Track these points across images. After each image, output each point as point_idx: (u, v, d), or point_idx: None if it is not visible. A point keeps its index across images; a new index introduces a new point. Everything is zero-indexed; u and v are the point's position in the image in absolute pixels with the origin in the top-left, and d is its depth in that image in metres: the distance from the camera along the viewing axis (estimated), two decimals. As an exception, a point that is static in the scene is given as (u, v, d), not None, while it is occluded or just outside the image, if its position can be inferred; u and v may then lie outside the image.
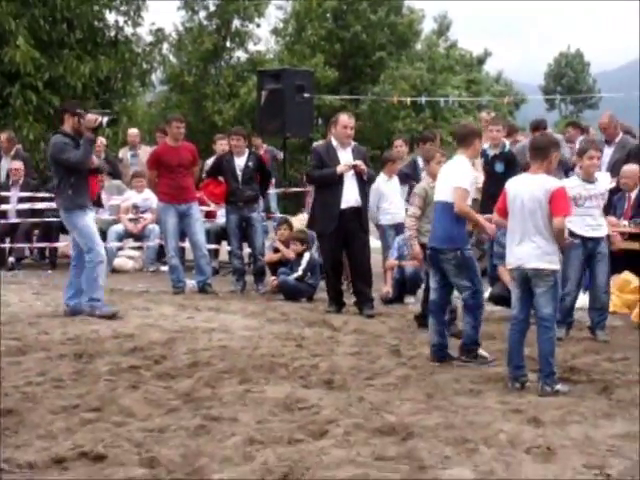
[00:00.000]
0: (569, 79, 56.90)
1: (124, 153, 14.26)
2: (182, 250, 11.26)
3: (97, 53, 18.16)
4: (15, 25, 16.54)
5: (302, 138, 19.32)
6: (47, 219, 12.40)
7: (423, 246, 7.33)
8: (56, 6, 17.25)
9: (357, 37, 29.84)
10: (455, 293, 6.72)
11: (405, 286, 9.61)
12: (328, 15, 29.80)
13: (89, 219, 8.24)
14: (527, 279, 5.61)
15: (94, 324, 7.69)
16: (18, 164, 12.72)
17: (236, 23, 27.94)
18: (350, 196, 8.61)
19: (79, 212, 8.14)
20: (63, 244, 12.74)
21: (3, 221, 12.41)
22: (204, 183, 11.51)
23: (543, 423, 4.72)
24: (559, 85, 57.18)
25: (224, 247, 12.19)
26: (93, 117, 8.05)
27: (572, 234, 7.13)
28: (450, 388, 5.54)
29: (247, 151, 10.45)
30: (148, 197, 12.39)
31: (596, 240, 7.35)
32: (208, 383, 5.52)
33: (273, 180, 12.44)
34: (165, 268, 11.22)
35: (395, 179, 10.37)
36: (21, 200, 12.53)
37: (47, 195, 12.62)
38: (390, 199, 10.22)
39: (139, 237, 12.56)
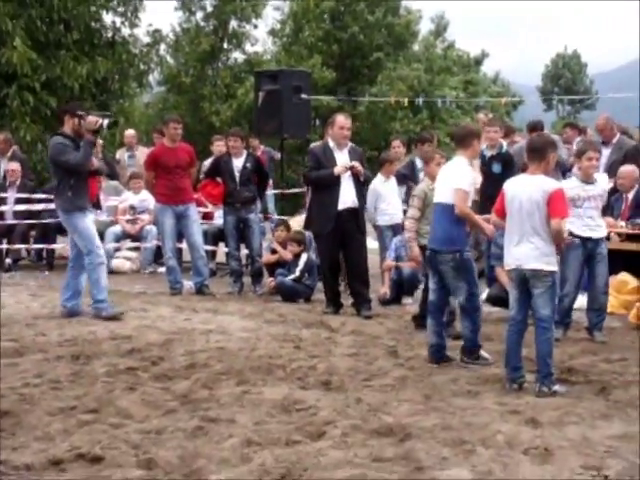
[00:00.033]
0: (566, 80, 56.93)
1: (121, 154, 14.25)
2: (179, 251, 11.25)
3: (94, 54, 18.14)
4: (12, 26, 16.52)
5: (299, 139, 19.33)
6: (44, 220, 12.39)
7: (422, 248, 7.32)
8: (53, 7, 17.23)
9: (354, 38, 29.86)
10: (454, 295, 6.71)
11: (403, 287, 9.61)
12: (325, 16, 29.82)
13: (89, 221, 8.23)
14: (525, 280, 5.61)
15: (91, 325, 7.68)
16: (15, 165, 12.69)
17: (233, 24, 27.98)
18: (347, 197, 8.61)
19: (79, 214, 8.13)
20: (60, 245, 12.73)
21: (0, 222, 12.40)
22: (202, 184, 11.51)
23: (541, 424, 4.72)
24: (556, 86, 57.22)
25: (221, 248, 12.18)
26: (94, 119, 8.03)
27: (571, 234, 7.15)
28: (448, 389, 5.54)
29: (245, 152, 10.45)
30: (145, 198, 12.38)
31: (595, 241, 7.36)
32: (205, 384, 5.52)
33: (270, 181, 12.44)
34: (162, 269, 11.20)
35: (393, 180, 10.37)
36: (18, 201, 12.50)
37: (44, 196, 12.63)
38: (388, 200, 10.22)
39: (136, 238, 12.55)
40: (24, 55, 16.34)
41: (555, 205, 5.51)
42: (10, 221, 12.42)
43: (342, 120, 8.76)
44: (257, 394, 5.30)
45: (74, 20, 17.77)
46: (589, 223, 7.32)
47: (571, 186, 7.32)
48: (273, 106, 13.52)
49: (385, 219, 10.20)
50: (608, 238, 8.00)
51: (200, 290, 10.01)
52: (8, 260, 12.35)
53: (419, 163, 11.16)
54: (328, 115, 9.59)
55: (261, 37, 30.26)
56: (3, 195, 12.50)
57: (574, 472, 4.00)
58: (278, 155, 14.65)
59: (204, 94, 26.96)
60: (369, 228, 9.78)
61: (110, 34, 19.28)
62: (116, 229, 12.51)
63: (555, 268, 5.61)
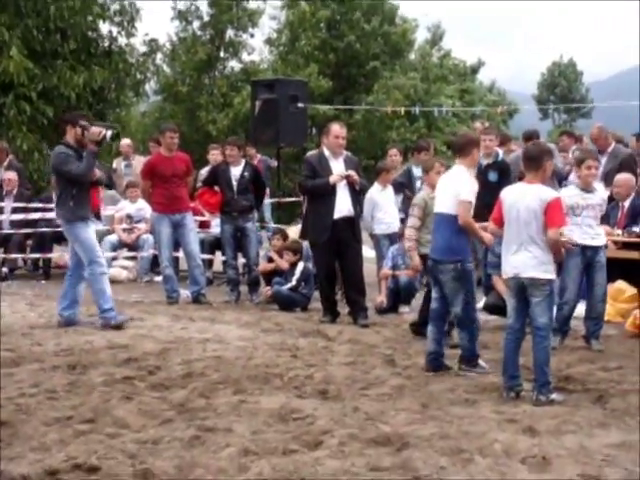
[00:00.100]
0: (562, 88, 57.12)
1: (118, 163, 14.26)
2: (176, 260, 11.24)
3: (91, 63, 18.15)
4: (9, 35, 16.53)
5: (296, 148, 19.36)
6: (40, 229, 12.39)
7: (423, 257, 7.31)
8: (50, 16, 17.25)
9: (351, 47, 29.90)
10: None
11: (399, 296, 9.61)
12: (322, 25, 29.85)
13: (91, 231, 8.23)
14: (523, 288, 5.61)
15: (88, 335, 7.67)
16: (11, 174, 12.69)
17: (230, 33, 28.00)
18: (343, 206, 8.62)
19: (80, 224, 8.12)
20: (56, 255, 12.73)
21: (-4, 231, 12.39)
22: (199, 192, 11.52)
23: (538, 433, 4.71)
24: (552, 94, 57.40)
25: (218, 257, 12.18)
26: (97, 130, 8.04)
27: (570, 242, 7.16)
28: (445, 398, 5.54)
29: (243, 161, 10.46)
30: (142, 207, 12.38)
31: (594, 249, 7.37)
32: (202, 394, 5.51)
33: (267, 190, 12.44)
34: (159, 278, 11.20)
35: (389, 189, 10.38)
36: (14, 210, 12.50)
37: (40, 205, 12.63)
38: (384, 209, 10.23)
39: (133, 247, 12.55)
40: (21, 64, 16.34)
41: (552, 215, 5.51)
42: (6, 230, 12.42)
43: (337, 129, 8.77)
44: (254, 403, 5.29)
45: (71, 29, 17.79)
46: (588, 231, 7.33)
47: (570, 194, 7.34)
48: (270, 115, 13.54)
49: (382, 228, 10.21)
50: (606, 247, 8.00)
51: (197, 299, 10.01)
52: (4, 269, 12.34)
53: (416, 172, 11.20)
54: (325, 124, 9.61)
55: (258, 46, 30.31)
56: (0, 204, 12.49)
57: (572, 481, 4.00)
58: (275, 163, 14.66)
59: (201, 103, 26.97)
60: (365, 237, 9.78)
61: (107, 43, 19.31)
62: (113, 238, 12.51)
63: (553, 276, 5.62)
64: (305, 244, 9.78)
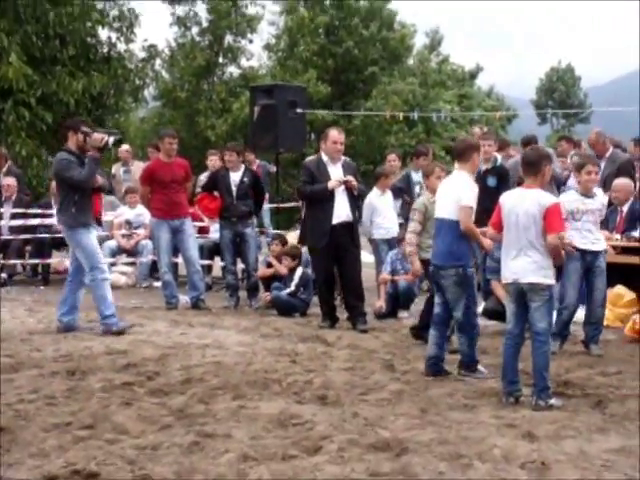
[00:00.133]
0: (560, 93, 57.20)
1: (117, 169, 14.26)
2: (175, 266, 11.24)
3: (90, 69, 18.17)
4: (7, 42, 16.54)
5: (295, 153, 19.38)
6: (39, 235, 12.39)
7: (424, 262, 7.30)
8: (49, 23, 17.27)
9: (349, 52, 29.95)
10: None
11: (398, 301, 9.61)
12: (320, 31, 29.91)
13: (92, 237, 8.23)
14: (522, 293, 5.61)
15: (87, 341, 7.67)
16: (10, 180, 12.71)
17: (229, 39, 28.05)
18: (341, 211, 8.63)
19: (82, 230, 8.12)
20: (55, 260, 12.72)
21: (-5, 237, 12.39)
22: (199, 197, 11.53)
23: (537, 438, 4.71)
24: (550, 99, 57.47)
25: (217, 263, 12.18)
26: (99, 136, 8.04)
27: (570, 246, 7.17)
28: (444, 403, 5.53)
29: (243, 167, 10.46)
30: (141, 213, 12.38)
31: (594, 254, 7.37)
32: (201, 399, 5.50)
33: (267, 195, 12.45)
34: (158, 284, 11.20)
35: (388, 194, 10.39)
36: (13, 216, 12.50)
37: (39, 211, 12.64)
38: (383, 214, 10.24)
39: (132, 253, 12.55)
40: (20, 70, 16.35)
41: (551, 220, 5.52)
42: (5, 236, 12.41)
43: (335, 134, 8.78)
44: (253, 409, 5.29)
45: (70, 36, 17.81)
46: (587, 236, 7.33)
47: (570, 199, 7.36)
48: (268, 120, 13.55)
49: (381, 233, 10.22)
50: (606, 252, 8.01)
51: (196, 304, 10.01)
52: (3, 275, 12.34)
53: (415, 177, 11.21)
54: (323, 129, 9.61)
55: (256, 52, 30.32)
56: (-2, 210, 12.50)
57: (571, 486, 4.00)
58: (274, 169, 14.67)
59: (199, 109, 27.00)
60: (364, 242, 9.78)
61: (106, 49, 19.33)
62: (111, 244, 12.51)
63: (552, 281, 5.62)
64: (304, 249, 9.79)
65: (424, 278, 9.23)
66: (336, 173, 8.72)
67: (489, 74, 48.67)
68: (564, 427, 4.92)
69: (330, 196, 8.61)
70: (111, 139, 8.13)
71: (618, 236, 9.08)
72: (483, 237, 6.39)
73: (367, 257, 10.76)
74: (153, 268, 12.17)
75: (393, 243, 10.03)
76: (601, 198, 7.62)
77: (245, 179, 10.26)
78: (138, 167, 13.00)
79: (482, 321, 8.13)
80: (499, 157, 10.44)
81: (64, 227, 8.28)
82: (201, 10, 27.86)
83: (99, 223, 10.66)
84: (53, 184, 13.21)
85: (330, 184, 8.60)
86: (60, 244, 12.79)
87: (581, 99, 57.57)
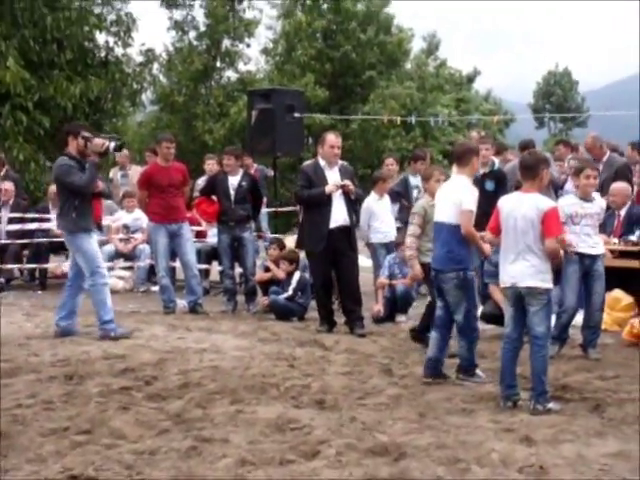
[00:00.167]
0: (557, 97, 57.29)
1: (114, 173, 14.26)
2: (173, 270, 11.23)
3: (87, 74, 18.19)
4: (5, 46, 16.57)
5: (292, 157, 19.37)
6: (37, 240, 12.38)
7: (423, 265, 7.28)
8: (46, 27, 17.29)
9: (347, 56, 29.97)
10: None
11: (396, 305, 9.60)
12: (318, 35, 29.93)
13: (93, 242, 8.22)
14: (520, 298, 5.62)
15: (84, 345, 7.66)
16: (8, 185, 12.69)
17: (226, 43, 28.06)
18: (339, 215, 8.63)
19: (83, 235, 8.11)
20: (53, 265, 12.71)
21: (-7, 242, 12.38)
22: (197, 201, 11.53)
23: (535, 442, 4.71)
24: (548, 103, 57.56)
25: (215, 267, 12.18)
26: (100, 142, 8.04)
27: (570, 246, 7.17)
28: (442, 407, 5.53)
29: (241, 171, 10.47)
30: (139, 217, 12.38)
31: (593, 258, 7.37)
32: (199, 404, 5.50)
33: (265, 199, 12.45)
34: (156, 288, 11.19)
35: (386, 198, 10.39)
36: (11, 221, 12.49)
37: (37, 216, 12.63)
38: (381, 218, 10.24)
39: (130, 257, 12.54)
40: (17, 75, 16.37)
41: (549, 224, 5.52)
42: (3, 241, 12.40)
43: (332, 139, 8.78)
44: (251, 413, 5.28)
45: (67, 40, 17.83)
46: (586, 240, 7.33)
47: (569, 203, 7.37)
48: (266, 125, 13.55)
49: (379, 237, 10.21)
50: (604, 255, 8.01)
51: (194, 309, 10.00)
52: (1, 280, 12.31)
53: (412, 181, 11.22)
54: (321, 133, 9.62)
55: (254, 56, 30.35)
56: (-4, 214, 12.49)
57: (569, 490, 4.00)
58: (271, 173, 14.67)
59: (197, 113, 27.00)
60: (361, 246, 9.78)
61: (103, 54, 19.36)
62: (109, 248, 12.49)
63: (550, 285, 5.62)
64: (302, 254, 9.78)
65: (422, 282, 9.23)
66: (333, 177, 8.73)
67: (486, 78, 48.83)
68: (562, 431, 4.92)
69: (327, 200, 8.61)
70: (112, 144, 8.12)
71: (616, 240, 9.09)
72: (484, 243, 6.39)
73: (365, 261, 10.75)
74: (151, 272, 12.16)
75: (391, 247, 10.03)
76: (600, 202, 7.62)
77: (243, 183, 10.26)
78: (136, 171, 12.99)
79: (480, 325, 8.12)
80: (497, 161, 10.45)
81: (65, 232, 8.27)
82: (199, 14, 27.91)
83: (99, 228, 10.66)
84: (51, 188, 13.24)
85: (327, 188, 8.61)
86: (58, 249, 12.80)
87: (578, 103, 57.67)
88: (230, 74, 28.91)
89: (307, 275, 9.70)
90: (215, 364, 6.81)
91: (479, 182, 9.87)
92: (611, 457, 4.46)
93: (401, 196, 11.13)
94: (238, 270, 10.92)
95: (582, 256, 7.32)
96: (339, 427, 4.96)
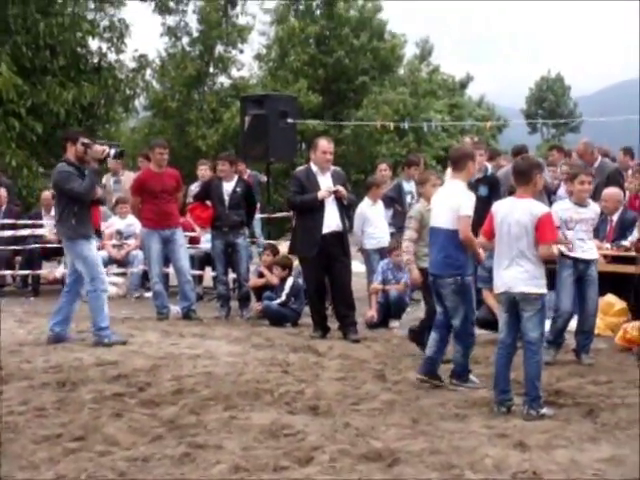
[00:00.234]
0: (550, 103, 57.44)
1: (107, 179, 14.22)
2: (166, 276, 11.22)
3: (80, 79, 18.18)
4: (-3, 52, 16.56)
5: (286, 163, 19.39)
6: (29, 246, 12.34)
7: (421, 270, 7.26)
8: (39, 33, 17.28)
9: (340, 62, 30.01)
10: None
11: (390, 310, 9.60)
12: (311, 41, 29.97)
13: (93, 248, 8.20)
14: (514, 303, 5.62)
15: (77, 352, 7.63)
16: (1, 191, 12.66)
17: (219, 49, 28.09)
18: (331, 221, 8.64)
19: (83, 241, 8.08)
20: (45, 271, 12.67)
21: (-15, 248, 12.34)
22: (191, 207, 11.53)
23: (529, 447, 4.71)
24: (540, 109, 57.71)
25: (208, 273, 12.16)
26: (100, 148, 8.02)
27: (563, 255, 7.18)
28: (435, 413, 5.53)
29: (236, 177, 10.47)
30: (132, 223, 12.36)
31: (586, 263, 7.39)
32: (193, 410, 5.49)
33: (258, 205, 12.45)
34: (149, 294, 11.16)
35: (380, 203, 10.40)
36: (3, 227, 12.46)
37: (30, 222, 12.60)
38: (375, 223, 10.25)
39: (123, 263, 12.52)
40: (10, 81, 16.34)
41: (543, 230, 5.53)
42: (-5, 247, 12.36)
43: (324, 144, 8.79)
44: (245, 419, 5.27)
45: (60, 46, 17.82)
46: (580, 245, 7.35)
47: (564, 208, 7.39)
48: (259, 130, 13.56)
49: (372, 243, 10.22)
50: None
51: (187, 315, 9.98)
52: (-7, 286, 12.28)
53: (406, 186, 11.23)
54: (314, 139, 9.64)
55: (247, 62, 30.34)
56: (-12, 221, 12.46)
57: (563, 495, 4.00)
58: (264, 179, 14.68)
59: (190, 119, 27.01)
60: (354, 252, 9.77)
61: (96, 60, 19.35)
62: (102, 254, 12.45)
63: (544, 291, 5.62)
64: (296, 262, 9.77)
65: (416, 288, 9.23)
66: (326, 183, 8.74)
67: (479, 83, 48.91)
68: (555, 436, 4.92)
69: (320, 206, 8.62)
70: (112, 151, 8.10)
71: (608, 245, 9.11)
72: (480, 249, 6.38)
73: (358, 267, 10.76)
74: (144, 278, 12.14)
75: (384, 253, 10.03)
76: (594, 207, 7.65)
77: (238, 189, 10.26)
78: (128, 177, 12.97)
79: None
80: (490, 167, 10.47)
81: (64, 239, 8.24)
82: (192, 20, 27.93)
83: (99, 235, 10.63)
84: (44, 194, 13.23)
85: (320, 194, 8.62)
86: (50, 255, 12.77)
87: (571, 108, 57.82)
88: (223, 80, 28.96)
89: (300, 281, 9.69)
90: (209, 370, 6.79)
91: (473, 187, 9.90)
92: (604, 462, 4.47)
93: (395, 202, 11.14)
94: (232, 276, 10.91)
95: (576, 261, 7.34)
96: (333, 433, 4.95)
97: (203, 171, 12.37)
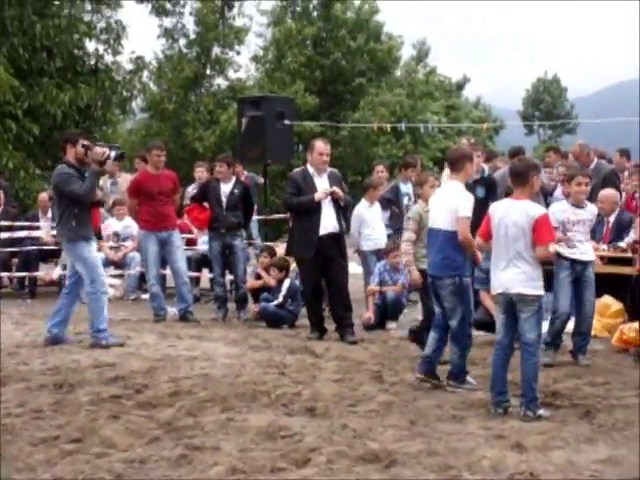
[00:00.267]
0: (547, 104, 57.49)
1: (104, 181, 14.19)
2: (163, 278, 11.22)
3: (77, 81, 18.17)
4: (-6, 54, 16.55)
5: (283, 165, 19.38)
6: (26, 248, 12.33)
7: (420, 272, 7.25)
8: (36, 35, 17.27)
9: (337, 64, 30.03)
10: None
11: (387, 312, 9.61)
12: (308, 42, 30.00)
13: (93, 250, 8.21)
14: (512, 304, 5.63)
15: (74, 353, 7.63)
16: (-3, 193, 12.66)
17: (216, 50, 28.11)
18: (328, 222, 8.64)
19: (83, 243, 8.08)
20: (42, 273, 12.66)
21: (-18, 250, 12.33)
22: (189, 208, 11.53)
23: (526, 449, 4.71)
24: (537, 110, 57.76)
25: (205, 274, 12.16)
26: (101, 150, 8.01)
27: (560, 256, 7.19)
28: (433, 414, 5.53)
29: (234, 178, 10.47)
30: (129, 225, 12.36)
31: (584, 264, 7.40)
32: (190, 412, 5.48)
33: (255, 206, 12.46)
34: (146, 296, 11.16)
35: (377, 205, 10.41)
36: (0, 229, 12.44)
37: (26, 224, 12.59)
38: (372, 225, 10.26)
39: (120, 265, 12.51)
40: (6, 83, 16.33)
41: (540, 232, 5.53)
42: (-8, 249, 12.35)
43: (321, 146, 8.80)
44: (242, 421, 5.27)
45: (57, 48, 17.81)
46: (578, 246, 7.36)
47: (562, 209, 7.40)
48: (256, 132, 13.56)
49: (369, 244, 10.23)
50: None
51: (184, 316, 9.98)
52: (-10, 288, 12.27)
53: (403, 188, 11.23)
54: (311, 140, 9.65)
55: (244, 63, 30.40)
56: (-15, 223, 12.44)
57: (560, 497, 4.00)
58: (261, 180, 14.69)
59: (187, 120, 27.02)
60: (351, 253, 9.78)
61: (93, 61, 19.35)
62: (100, 256, 12.45)
63: (541, 292, 5.63)
64: (294, 265, 9.77)
65: (412, 289, 9.24)
66: (322, 184, 8.74)
67: (476, 85, 48.98)
68: (552, 438, 4.93)
69: (317, 207, 8.62)
70: (112, 153, 8.09)
71: (605, 246, 9.12)
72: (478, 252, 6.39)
73: (355, 268, 10.76)
74: (141, 280, 12.13)
75: (381, 254, 10.04)
76: (592, 209, 7.66)
77: (236, 190, 10.26)
78: (125, 179, 12.95)
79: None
80: (486, 168, 10.48)
81: (64, 241, 8.23)
82: (188, 22, 27.97)
83: (99, 237, 10.62)
84: (40, 196, 13.22)
85: (317, 196, 8.62)
86: (47, 257, 12.76)
87: (567, 110, 57.88)
88: (220, 81, 28.99)
89: (297, 282, 9.69)
90: (206, 372, 6.79)
91: (470, 189, 9.90)
92: (601, 463, 4.47)
93: (392, 203, 11.15)
94: (229, 277, 10.91)
95: (573, 262, 7.35)
96: (330, 434, 4.96)
97: (200, 173, 12.38)
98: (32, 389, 6.16)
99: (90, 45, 19.28)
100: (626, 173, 11.49)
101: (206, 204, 10.53)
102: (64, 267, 11.50)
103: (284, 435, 4.95)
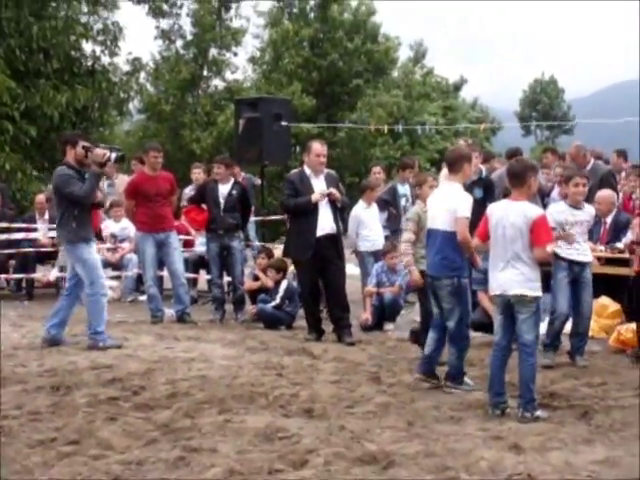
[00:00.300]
0: (544, 105, 57.57)
1: (101, 183, 14.20)
2: (160, 279, 11.20)
3: (74, 83, 18.13)
4: (-10, 55, 16.52)
5: (280, 166, 19.40)
6: (24, 250, 12.32)
7: (419, 272, 7.24)
8: (32, 36, 17.24)
9: (334, 65, 30.05)
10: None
11: (384, 313, 9.61)
12: (305, 43, 30.01)
13: (93, 251, 8.20)
14: (510, 305, 5.63)
15: (71, 355, 7.62)
16: (-6, 194, 12.64)
17: (213, 52, 28.13)
18: (325, 223, 8.64)
19: (83, 245, 8.06)
20: (39, 274, 12.65)
21: (-21, 252, 12.31)
22: (186, 209, 11.52)
23: (524, 450, 4.71)
24: (534, 111, 57.83)
25: (202, 276, 12.16)
26: (102, 152, 8.00)
27: (558, 257, 7.19)
28: (430, 415, 5.53)
29: (232, 180, 10.47)
30: (126, 226, 12.35)
31: (581, 265, 7.40)
32: (187, 413, 5.48)
33: (252, 207, 12.46)
34: (143, 298, 11.15)
35: (374, 206, 10.42)
36: (-3, 231, 12.44)
37: (24, 225, 12.57)
38: (369, 226, 10.26)
39: (117, 267, 12.50)
40: (3, 84, 16.30)
41: (538, 233, 5.53)
42: (-11, 250, 12.33)
43: (318, 147, 8.81)
44: (239, 423, 5.27)
45: (54, 49, 17.78)
46: (576, 247, 7.36)
47: (559, 210, 7.40)
48: (253, 133, 13.57)
49: (367, 245, 10.23)
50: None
51: (181, 318, 9.97)
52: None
53: (400, 189, 11.24)
54: (308, 142, 9.66)
55: (241, 65, 30.42)
56: (-18, 224, 12.42)
57: (558, 498, 4.00)
58: (259, 182, 14.68)
59: (184, 122, 27.02)
60: (348, 254, 9.78)
61: (90, 63, 19.31)
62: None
63: (539, 294, 5.63)
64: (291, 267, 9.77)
65: (410, 290, 9.24)
66: (319, 186, 8.75)
67: (473, 86, 48.97)
68: (550, 439, 4.93)
69: (314, 209, 8.62)
70: (113, 155, 8.08)
71: (602, 247, 9.13)
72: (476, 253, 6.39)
73: (353, 269, 10.77)
74: (138, 282, 12.13)
75: (379, 255, 10.04)
76: (589, 210, 7.66)
77: (234, 192, 10.26)
78: (122, 180, 12.95)
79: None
80: (484, 169, 10.48)
81: (64, 242, 8.22)
82: (185, 23, 27.99)
83: (99, 238, 10.60)
84: (37, 198, 13.21)
85: (314, 197, 8.63)
86: (44, 258, 12.75)
87: (565, 111, 57.97)
88: (217, 83, 29.02)
89: (295, 283, 9.69)
90: (203, 373, 6.79)
91: (468, 190, 9.90)
92: (599, 464, 4.47)
93: (389, 204, 11.16)
94: (226, 279, 10.91)
95: (571, 263, 7.35)
96: (328, 436, 4.95)
97: (197, 174, 12.38)
98: (29, 391, 6.15)
99: (87, 46, 19.27)
100: (623, 174, 11.52)
101: (204, 205, 10.53)
102: (61, 269, 11.51)
103: (282, 436, 4.95)
